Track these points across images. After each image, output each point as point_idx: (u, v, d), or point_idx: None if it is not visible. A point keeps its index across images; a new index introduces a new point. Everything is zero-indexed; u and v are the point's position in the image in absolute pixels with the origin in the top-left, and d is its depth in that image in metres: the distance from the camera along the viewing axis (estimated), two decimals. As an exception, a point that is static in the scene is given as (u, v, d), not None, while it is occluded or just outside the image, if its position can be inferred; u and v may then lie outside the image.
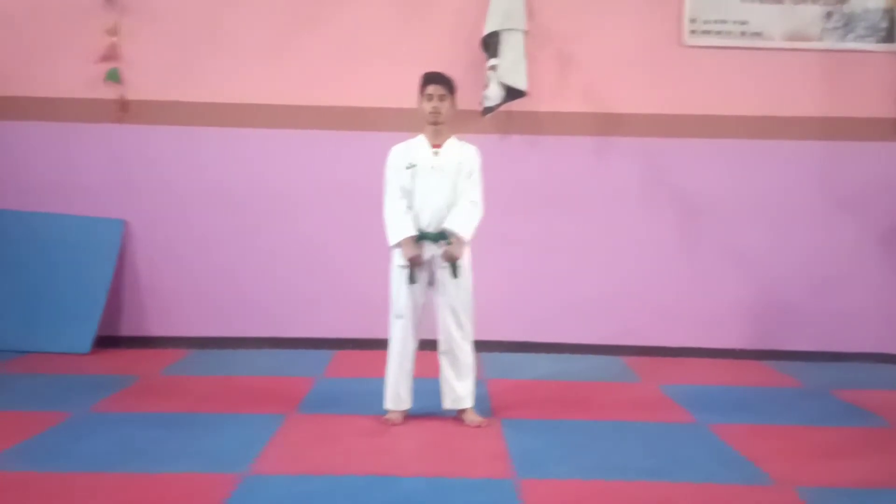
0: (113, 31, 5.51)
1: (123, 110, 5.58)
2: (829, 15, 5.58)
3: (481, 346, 5.28)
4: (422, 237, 3.97)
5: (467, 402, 4.06)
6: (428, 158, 4.01)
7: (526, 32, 5.42)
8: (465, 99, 5.53)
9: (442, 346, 4.08)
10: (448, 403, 4.09)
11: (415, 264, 3.96)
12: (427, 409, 4.19)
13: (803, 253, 5.65)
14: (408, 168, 4.00)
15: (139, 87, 5.57)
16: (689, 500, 3.13)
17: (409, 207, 4.00)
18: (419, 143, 4.06)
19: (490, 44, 5.40)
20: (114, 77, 5.52)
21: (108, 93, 5.56)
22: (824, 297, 5.65)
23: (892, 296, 5.65)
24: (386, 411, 4.06)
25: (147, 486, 3.16)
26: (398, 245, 3.98)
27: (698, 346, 5.66)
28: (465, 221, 3.96)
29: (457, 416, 4.09)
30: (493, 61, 5.35)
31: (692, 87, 5.61)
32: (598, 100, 5.63)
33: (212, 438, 3.73)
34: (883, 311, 5.66)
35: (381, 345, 5.57)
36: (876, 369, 5.47)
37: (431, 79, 4.06)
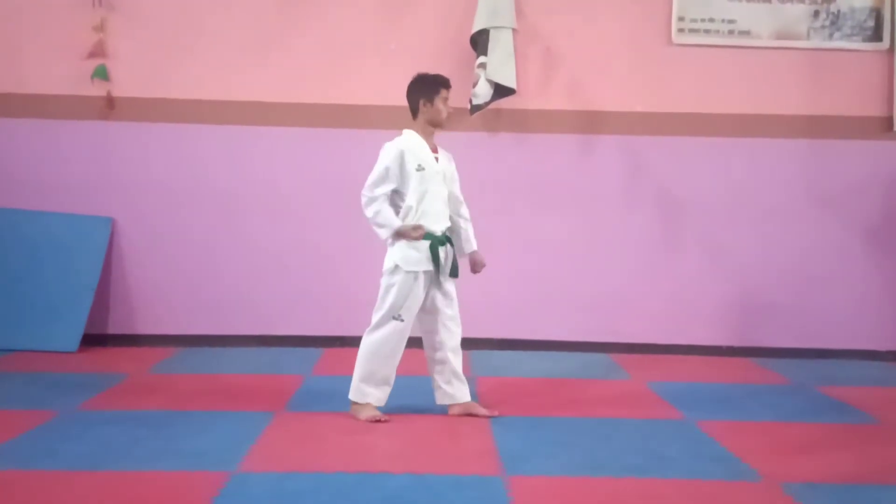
0: (100, 28, 5.48)
1: (110, 107, 5.55)
2: (816, 14, 5.61)
3: (469, 344, 5.28)
4: (434, 240, 3.94)
5: (469, 395, 4.09)
6: (433, 163, 3.99)
7: (514, 30, 5.42)
8: (453, 97, 5.51)
9: (448, 344, 4.05)
10: (446, 399, 4.07)
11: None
12: (414, 408, 4.20)
13: (789, 250, 5.68)
14: (418, 170, 3.94)
15: (126, 84, 5.55)
16: (676, 497, 3.14)
17: (411, 208, 3.93)
18: (420, 146, 4.00)
19: (479, 41, 5.40)
20: (101, 74, 5.49)
21: (95, 89, 5.53)
22: (810, 295, 5.68)
23: (877, 293, 5.69)
24: (360, 408, 4.00)
25: (135, 485, 3.15)
26: (411, 233, 3.88)
27: (686, 343, 5.69)
28: (473, 237, 4.13)
29: (451, 411, 4.08)
30: (481, 59, 5.35)
31: (680, 85, 5.63)
32: (586, 98, 5.64)
33: (200, 436, 3.72)
34: (868, 308, 5.70)
35: (369, 342, 5.60)
36: (862, 366, 5.51)
37: (447, 83, 4.04)
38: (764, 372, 5.29)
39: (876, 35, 5.63)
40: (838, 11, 5.61)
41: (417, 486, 3.16)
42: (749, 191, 5.68)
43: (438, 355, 4.04)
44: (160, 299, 5.64)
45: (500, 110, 5.57)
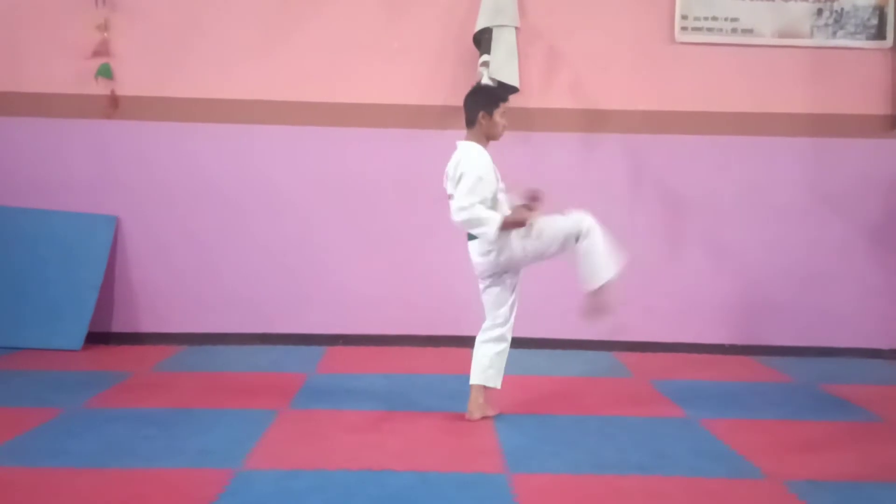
0: (103, 27, 5.48)
1: (114, 106, 5.56)
2: (819, 12, 5.60)
3: (471, 343, 5.29)
4: None
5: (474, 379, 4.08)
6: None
7: (517, 29, 5.43)
8: (456, 95, 5.54)
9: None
10: None
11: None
12: (418, 405, 4.21)
13: (792, 249, 5.68)
14: (499, 183, 3.99)
15: (129, 83, 5.55)
16: (680, 494, 3.15)
17: None
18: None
19: (482, 40, 5.40)
20: (105, 73, 5.49)
21: (99, 88, 5.53)
22: (813, 293, 5.68)
23: (880, 291, 5.69)
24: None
25: (140, 483, 3.16)
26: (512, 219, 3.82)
27: (689, 341, 5.68)
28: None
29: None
30: (484, 57, 5.35)
31: (683, 83, 5.63)
32: (588, 96, 5.64)
33: (204, 434, 3.73)
34: (871, 307, 5.69)
35: (372, 340, 5.63)
36: (864, 364, 5.50)
37: (507, 96, 4.06)
38: (767, 370, 5.29)
39: (879, 33, 5.62)
40: (842, 10, 5.60)
41: (421, 484, 3.17)
42: (752, 189, 5.67)
43: (510, 337, 4.10)
44: (163, 297, 5.65)
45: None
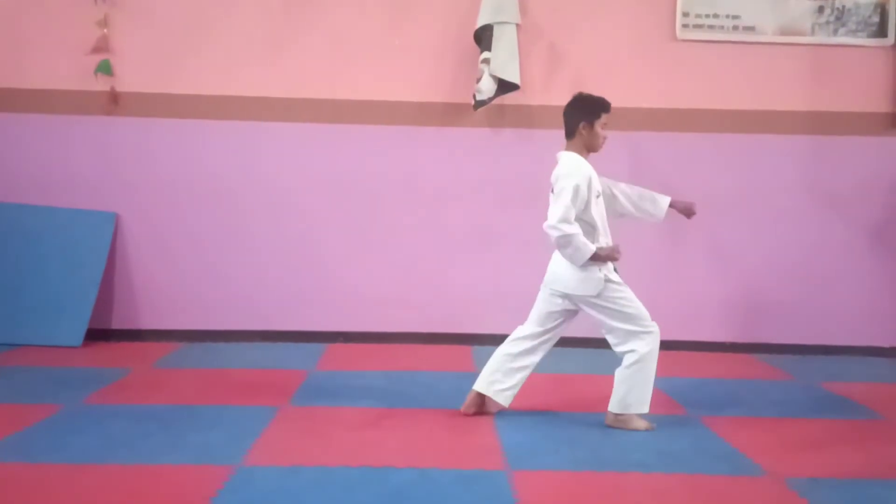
0: (103, 23, 5.48)
1: (114, 103, 5.55)
2: (820, 9, 5.60)
3: (474, 340, 5.29)
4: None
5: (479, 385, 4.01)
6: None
7: (518, 26, 5.42)
8: (457, 92, 5.56)
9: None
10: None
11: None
12: (419, 403, 4.20)
13: (793, 247, 5.67)
14: (597, 197, 3.90)
15: (130, 80, 5.55)
16: (680, 492, 3.15)
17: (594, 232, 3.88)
18: (593, 172, 3.91)
19: (483, 37, 5.39)
20: (105, 69, 5.49)
21: (99, 85, 5.53)
22: (815, 292, 5.68)
23: (881, 289, 5.68)
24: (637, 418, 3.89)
25: (140, 479, 3.16)
26: (604, 255, 3.80)
27: (691, 339, 5.67)
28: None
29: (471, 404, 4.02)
30: (485, 54, 5.34)
31: (684, 81, 5.62)
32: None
33: (204, 431, 3.72)
34: (872, 306, 5.69)
35: (373, 338, 5.62)
36: (865, 363, 5.50)
37: (609, 107, 3.92)
38: (768, 368, 5.29)
39: (881, 31, 5.61)
40: (843, 7, 5.60)
41: (421, 481, 3.17)
42: (753, 187, 5.67)
43: (532, 359, 4.05)
44: (164, 294, 5.65)
45: (504, 106, 5.57)
